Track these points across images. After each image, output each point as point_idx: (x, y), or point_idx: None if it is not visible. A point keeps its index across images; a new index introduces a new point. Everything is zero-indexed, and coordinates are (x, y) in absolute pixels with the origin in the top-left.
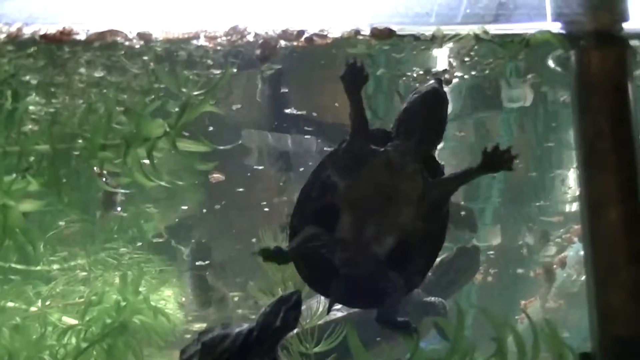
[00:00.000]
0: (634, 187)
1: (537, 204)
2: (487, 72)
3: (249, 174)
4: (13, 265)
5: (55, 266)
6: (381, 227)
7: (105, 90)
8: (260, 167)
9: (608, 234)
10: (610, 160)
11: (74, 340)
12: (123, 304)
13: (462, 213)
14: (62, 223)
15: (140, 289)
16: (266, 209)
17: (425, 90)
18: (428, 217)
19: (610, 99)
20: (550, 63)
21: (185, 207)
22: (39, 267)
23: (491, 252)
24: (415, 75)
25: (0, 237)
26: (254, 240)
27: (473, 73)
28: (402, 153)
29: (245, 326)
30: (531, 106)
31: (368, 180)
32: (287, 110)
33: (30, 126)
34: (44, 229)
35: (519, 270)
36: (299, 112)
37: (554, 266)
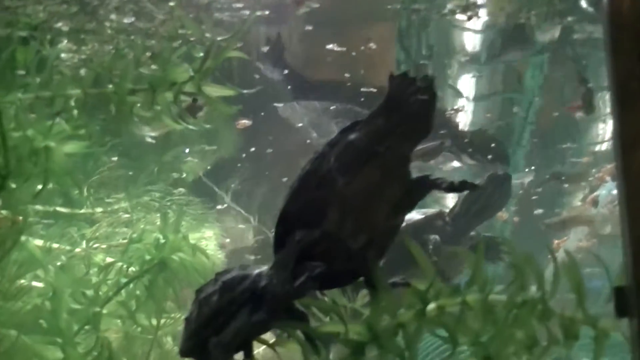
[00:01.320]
0: None
1: (568, 145)
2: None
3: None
4: (58, 208)
5: (98, 209)
6: (359, 224)
7: (133, 37)
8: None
9: (638, 173)
10: None
11: (112, 277)
12: (162, 241)
13: (492, 145)
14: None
15: (180, 229)
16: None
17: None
18: (398, 216)
19: None
20: (583, 3)
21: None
22: (82, 210)
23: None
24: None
25: (44, 179)
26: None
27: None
28: (398, 156)
29: (265, 268)
30: (562, 48)
31: (363, 180)
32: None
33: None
34: (87, 174)
35: (552, 211)
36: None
37: (586, 206)
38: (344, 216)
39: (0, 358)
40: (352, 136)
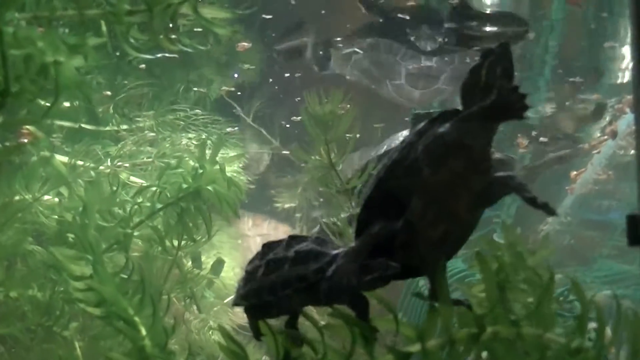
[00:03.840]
0: None
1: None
2: None
3: None
4: (83, 125)
5: (123, 126)
6: (440, 214)
7: None
8: None
9: None
10: None
11: (144, 200)
12: (200, 171)
13: None
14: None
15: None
16: None
17: (498, 50)
18: (477, 211)
19: None
20: None
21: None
22: (107, 128)
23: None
24: None
25: (55, 94)
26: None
27: None
28: (483, 152)
29: (342, 249)
30: None
31: (448, 172)
32: None
33: None
34: (114, 92)
35: None
36: None
37: (605, 137)
38: (427, 206)
39: (28, 274)
40: (443, 129)
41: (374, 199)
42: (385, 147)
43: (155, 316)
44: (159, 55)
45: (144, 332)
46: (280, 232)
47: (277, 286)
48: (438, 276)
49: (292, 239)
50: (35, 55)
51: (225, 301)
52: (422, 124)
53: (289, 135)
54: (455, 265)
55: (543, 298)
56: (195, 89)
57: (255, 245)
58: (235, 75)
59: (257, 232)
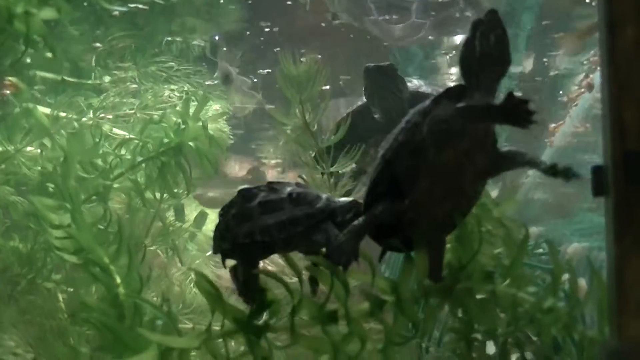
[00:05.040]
0: None
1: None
2: None
3: None
4: (65, 77)
5: (106, 78)
6: (447, 192)
7: None
8: None
9: (624, 52)
10: None
11: (125, 152)
12: (182, 127)
13: None
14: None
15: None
16: None
17: (487, 18)
18: (481, 183)
19: None
20: None
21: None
22: (90, 80)
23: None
24: None
25: (25, 45)
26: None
27: None
28: (486, 130)
29: (338, 200)
30: None
31: (453, 150)
32: None
33: None
34: (96, 42)
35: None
36: None
37: (582, 89)
38: (434, 185)
39: (10, 225)
40: (447, 113)
41: (380, 180)
42: (359, 103)
43: (130, 265)
44: (137, 5)
45: (118, 279)
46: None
47: (284, 224)
48: (438, 254)
49: (272, 184)
50: (5, 5)
51: (207, 254)
52: (427, 103)
53: (272, 87)
54: None
55: (516, 257)
56: (178, 39)
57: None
58: (217, 38)
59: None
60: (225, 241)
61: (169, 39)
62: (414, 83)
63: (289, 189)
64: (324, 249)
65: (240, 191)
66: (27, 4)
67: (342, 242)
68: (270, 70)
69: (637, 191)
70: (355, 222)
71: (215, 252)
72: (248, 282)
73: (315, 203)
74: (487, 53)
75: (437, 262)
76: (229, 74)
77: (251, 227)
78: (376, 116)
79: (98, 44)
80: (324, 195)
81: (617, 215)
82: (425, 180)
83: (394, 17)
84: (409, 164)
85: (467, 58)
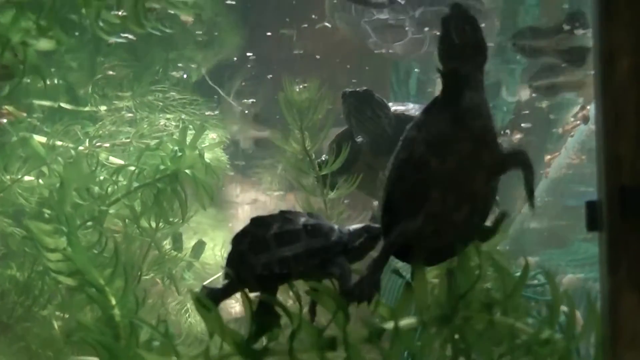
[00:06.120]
0: None
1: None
2: None
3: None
4: (62, 105)
5: (102, 107)
6: (460, 197)
7: None
8: None
9: (618, 85)
10: (624, 14)
11: (122, 179)
12: (179, 154)
13: None
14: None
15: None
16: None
17: (453, 11)
18: (494, 179)
19: None
20: None
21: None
22: (87, 108)
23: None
24: None
25: (19, 75)
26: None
27: None
28: (480, 117)
29: (348, 228)
30: None
31: (456, 155)
32: None
33: None
34: (93, 71)
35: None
36: None
37: (577, 122)
38: (446, 193)
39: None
40: (439, 116)
41: (391, 201)
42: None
43: (126, 287)
44: (128, 36)
45: (114, 301)
46: (269, 200)
47: (301, 256)
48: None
49: (285, 213)
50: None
51: (204, 283)
52: (419, 116)
53: (271, 115)
54: None
55: (516, 287)
56: (174, 73)
57: (243, 213)
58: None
59: (245, 199)
60: (240, 270)
61: (169, 67)
62: (402, 107)
63: (302, 219)
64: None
65: (253, 220)
66: (25, 35)
67: (364, 277)
68: (254, 101)
69: (631, 225)
70: (375, 257)
71: (227, 279)
72: (261, 310)
73: (330, 235)
74: (465, 44)
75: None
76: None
77: (269, 259)
78: (358, 140)
79: (111, 72)
80: (336, 226)
81: (611, 248)
82: (435, 191)
83: (390, 36)
84: (415, 178)
85: (447, 53)
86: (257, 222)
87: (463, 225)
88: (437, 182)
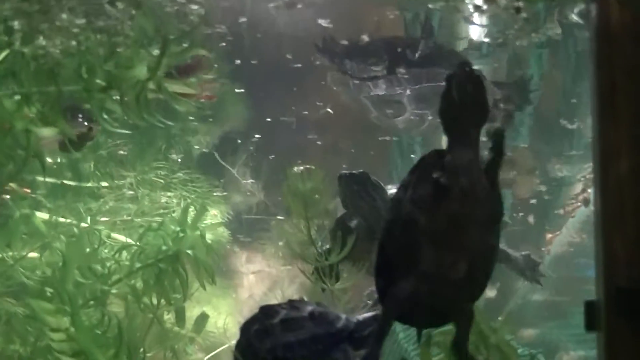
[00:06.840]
0: None
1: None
2: None
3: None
4: (65, 182)
5: (104, 183)
6: (457, 254)
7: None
8: None
9: (617, 185)
10: (623, 114)
11: (124, 258)
12: (181, 235)
13: None
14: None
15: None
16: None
17: (460, 69)
18: (492, 235)
19: (627, 52)
20: (574, 17)
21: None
22: (89, 184)
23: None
24: None
25: (23, 159)
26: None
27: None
28: (471, 173)
29: (355, 317)
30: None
31: (446, 212)
32: None
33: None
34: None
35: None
36: None
37: (578, 203)
38: (438, 250)
39: (8, 326)
40: (424, 175)
41: (383, 265)
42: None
43: None
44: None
45: None
46: (274, 269)
47: (305, 342)
48: (466, 322)
49: (293, 302)
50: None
51: (206, 358)
52: (405, 177)
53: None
54: None
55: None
56: (174, 155)
57: (248, 282)
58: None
59: (251, 268)
60: (247, 356)
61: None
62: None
63: (310, 307)
64: None
65: (262, 308)
66: (29, 123)
67: (367, 354)
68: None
69: (627, 326)
70: (374, 330)
71: None
72: None
73: (336, 323)
74: (465, 103)
75: (463, 331)
76: None
77: (273, 344)
78: (352, 224)
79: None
80: (344, 315)
81: (609, 348)
82: (425, 250)
83: (389, 111)
84: (404, 238)
85: (447, 109)
86: (266, 310)
87: (464, 283)
88: (426, 240)
